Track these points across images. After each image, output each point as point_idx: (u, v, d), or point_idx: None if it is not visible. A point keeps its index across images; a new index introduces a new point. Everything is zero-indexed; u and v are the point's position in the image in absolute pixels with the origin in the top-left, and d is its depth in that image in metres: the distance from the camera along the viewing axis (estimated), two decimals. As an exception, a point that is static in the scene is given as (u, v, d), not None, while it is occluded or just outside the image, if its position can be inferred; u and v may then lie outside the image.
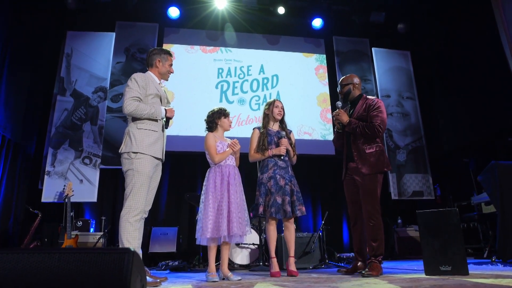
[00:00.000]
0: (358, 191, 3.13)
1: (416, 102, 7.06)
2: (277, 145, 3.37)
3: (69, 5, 6.04)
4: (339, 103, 3.30)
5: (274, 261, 3.25)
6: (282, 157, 3.34)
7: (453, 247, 2.58)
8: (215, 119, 3.22)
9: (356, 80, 3.31)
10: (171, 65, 2.98)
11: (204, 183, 3.11)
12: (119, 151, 2.70)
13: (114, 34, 6.37)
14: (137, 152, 2.61)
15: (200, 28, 6.84)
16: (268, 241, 3.30)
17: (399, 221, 5.99)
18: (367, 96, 3.25)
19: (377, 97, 6.87)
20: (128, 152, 2.62)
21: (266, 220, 3.32)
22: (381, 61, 7.17)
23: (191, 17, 6.72)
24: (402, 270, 3.34)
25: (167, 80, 3.03)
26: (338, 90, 3.45)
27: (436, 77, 7.12)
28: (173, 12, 6.59)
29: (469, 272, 2.53)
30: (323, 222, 4.71)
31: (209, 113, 3.29)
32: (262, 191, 3.26)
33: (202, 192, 3.08)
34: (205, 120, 3.30)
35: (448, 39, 6.65)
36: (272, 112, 3.47)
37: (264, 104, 3.65)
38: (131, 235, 2.51)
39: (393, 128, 6.76)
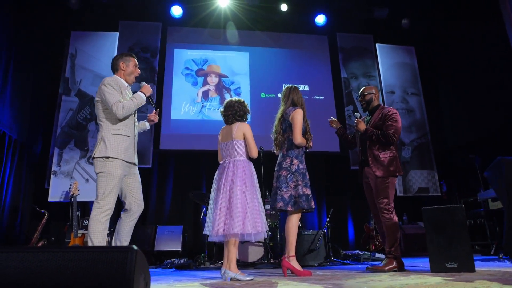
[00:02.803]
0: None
1: (421, 98, 7.01)
2: None
3: (73, 5, 6.08)
4: (357, 114, 3.42)
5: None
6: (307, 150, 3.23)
7: (459, 243, 2.56)
8: (248, 110, 3.07)
9: (376, 91, 3.52)
10: (135, 65, 2.99)
11: (239, 176, 2.79)
12: (92, 156, 2.74)
13: (117, 33, 6.39)
14: (109, 157, 2.67)
15: (203, 27, 6.84)
16: (294, 237, 2.96)
17: (405, 217, 5.97)
18: (384, 106, 3.45)
19: (382, 93, 6.87)
20: (104, 157, 2.68)
21: (293, 213, 2.99)
22: (385, 57, 7.12)
23: (194, 15, 6.72)
24: (407, 267, 3.32)
25: (132, 82, 3.02)
26: (359, 98, 3.60)
27: (441, 72, 7.06)
28: (176, 11, 6.60)
29: (476, 269, 2.51)
30: (328, 219, 4.70)
31: (241, 101, 3.04)
32: (306, 182, 3.00)
33: (241, 186, 2.77)
34: (236, 108, 2.99)
35: (453, 33, 6.59)
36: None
37: (291, 87, 3.30)
38: (101, 234, 2.58)
39: (398, 124, 6.71)
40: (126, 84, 2.93)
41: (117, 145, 2.71)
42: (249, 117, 3.13)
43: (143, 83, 2.99)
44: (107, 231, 2.63)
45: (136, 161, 2.90)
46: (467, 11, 6.09)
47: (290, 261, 2.90)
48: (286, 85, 6.81)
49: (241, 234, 2.66)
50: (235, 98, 3.11)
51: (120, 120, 2.77)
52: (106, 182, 2.65)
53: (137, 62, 3.04)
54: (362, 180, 3.44)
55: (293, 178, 2.97)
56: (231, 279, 2.64)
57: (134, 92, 2.95)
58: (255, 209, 2.75)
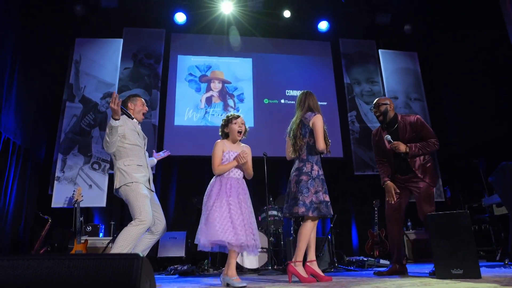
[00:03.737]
0: (400, 200, 3.30)
1: (424, 103, 7.00)
2: None
3: (78, 12, 6.14)
4: (388, 137, 3.32)
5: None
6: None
7: (465, 249, 2.54)
8: (223, 128, 3.10)
9: (390, 101, 3.49)
10: (143, 104, 3.25)
11: (207, 189, 2.97)
12: (115, 187, 2.92)
13: (121, 40, 6.44)
14: (132, 182, 2.88)
15: (207, 33, 6.88)
16: (305, 242, 2.89)
17: (409, 223, 5.93)
18: (402, 115, 3.43)
19: (385, 98, 6.87)
20: (125, 184, 2.87)
21: (309, 218, 2.92)
22: (388, 62, 7.13)
23: (198, 22, 6.76)
24: (412, 273, 3.31)
25: (141, 119, 3.22)
26: (373, 110, 3.52)
27: (444, 77, 7.06)
28: (180, 17, 6.65)
29: (482, 275, 2.49)
30: (332, 225, 4.68)
31: (222, 124, 3.16)
32: (326, 189, 2.99)
33: (213, 198, 2.88)
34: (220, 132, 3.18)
35: (455, 39, 6.60)
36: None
37: (307, 93, 3.25)
38: (127, 242, 2.71)
39: (401, 129, 6.70)
40: (136, 122, 3.15)
41: (133, 174, 2.91)
42: (252, 123, 3.16)
43: (146, 141, 3.23)
44: (135, 241, 2.76)
45: (153, 188, 3.10)
46: (470, 16, 6.10)
47: (296, 266, 2.86)
48: (290, 91, 6.88)
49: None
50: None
51: (130, 153, 2.97)
52: (137, 201, 2.82)
53: (144, 101, 3.29)
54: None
55: (314, 184, 2.93)
56: (227, 285, 2.70)
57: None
58: (219, 218, 2.78)
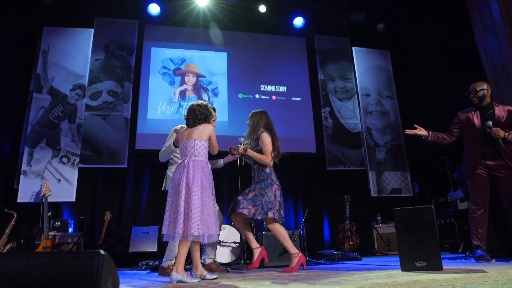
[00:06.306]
0: (489, 184, 3.43)
1: (395, 101, 7.20)
2: None
3: (46, 0, 5.89)
4: (489, 123, 3.40)
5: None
6: None
7: (428, 243, 2.65)
8: (211, 113, 3.07)
9: (487, 87, 3.56)
10: (213, 120, 3.57)
11: (197, 176, 2.80)
12: (163, 189, 3.66)
13: (92, 30, 6.24)
14: None
15: (181, 26, 6.78)
16: (287, 238, 3.34)
17: (379, 218, 6.10)
18: (499, 104, 3.54)
19: (357, 95, 7.01)
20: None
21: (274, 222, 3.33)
22: (361, 60, 7.26)
23: (172, 14, 6.65)
24: (379, 266, 3.41)
25: None
26: (470, 95, 3.62)
27: (415, 76, 7.26)
28: (154, 8, 6.51)
29: (443, 267, 2.60)
30: (303, 219, 4.75)
31: (203, 105, 3.03)
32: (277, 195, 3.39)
33: (199, 187, 2.78)
34: (197, 112, 2.98)
35: (426, 38, 6.79)
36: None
37: (256, 112, 3.70)
38: None
39: (372, 126, 6.87)
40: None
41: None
42: (226, 117, 3.16)
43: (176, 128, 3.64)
44: None
45: None
46: (440, 16, 6.29)
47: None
48: (264, 86, 6.89)
49: (196, 235, 2.67)
50: (198, 102, 3.10)
51: (176, 164, 3.47)
52: None
53: (215, 116, 3.71)
54: (475, 170, 3.47)
55: None
56: (177, 282, 2.62)
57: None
58: (210, 211, 2.79)
